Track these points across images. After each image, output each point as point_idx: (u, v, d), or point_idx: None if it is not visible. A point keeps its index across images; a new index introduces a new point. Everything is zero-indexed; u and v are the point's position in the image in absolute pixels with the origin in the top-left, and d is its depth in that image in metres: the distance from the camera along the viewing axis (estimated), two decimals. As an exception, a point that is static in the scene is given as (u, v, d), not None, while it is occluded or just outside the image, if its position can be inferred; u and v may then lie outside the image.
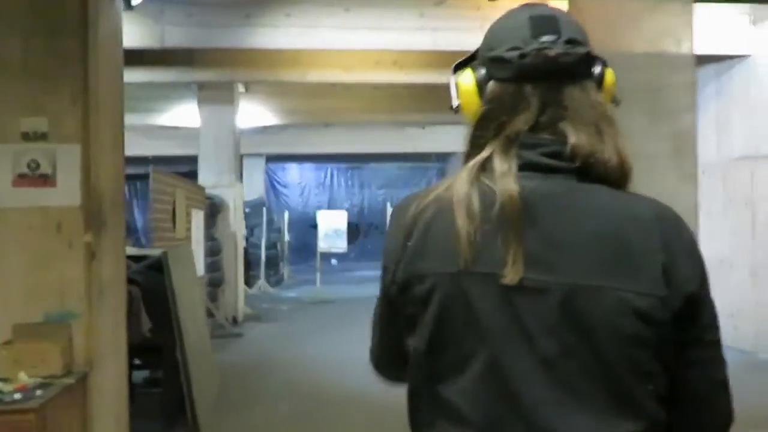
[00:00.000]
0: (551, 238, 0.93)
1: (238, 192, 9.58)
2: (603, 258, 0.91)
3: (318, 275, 11.93)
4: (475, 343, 0.94)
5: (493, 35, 1.04)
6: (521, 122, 0.98)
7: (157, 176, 5.63)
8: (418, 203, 1.01)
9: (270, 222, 13.92)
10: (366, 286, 14.15)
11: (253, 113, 10.84)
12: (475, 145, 1.03)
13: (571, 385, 0.90)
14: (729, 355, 0.99)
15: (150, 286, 4.53)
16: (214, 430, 4.51)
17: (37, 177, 3.21)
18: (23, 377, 2.89)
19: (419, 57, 7.71)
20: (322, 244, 12.12)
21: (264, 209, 13.27)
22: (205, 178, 9.21)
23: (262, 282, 12.71)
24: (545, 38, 0.98)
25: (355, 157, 18.95)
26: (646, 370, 0.91)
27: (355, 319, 9.78)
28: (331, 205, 19.22)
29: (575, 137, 0.96)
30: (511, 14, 1.04)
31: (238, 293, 9.30)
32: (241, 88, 10.16)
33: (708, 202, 6.22)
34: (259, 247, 12.57)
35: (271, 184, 19.75)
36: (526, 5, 1.04)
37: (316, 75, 7.90)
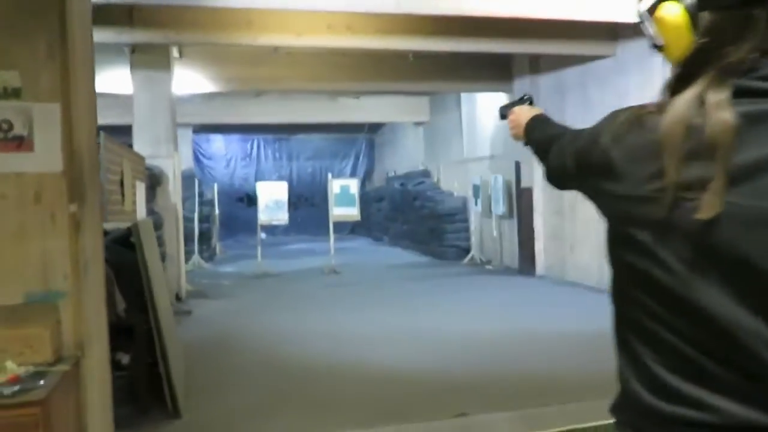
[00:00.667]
0: (752, 162, 0.86)
1: (177, 162, 9.08)
2: None
3: (259, 249, 11.55)
4: (660, 268, 0.90)
5: None
6: (745, 51, 0.89)
7: (108, 145, 5.16)
8: (622, 123, 0.97)
9: (200, 195, 13.36)
10: (303, 258, 13.89)
11: (186, 80, 10.28)
12: (684, 81, 0.93)
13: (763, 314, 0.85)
14: None
15: (119, 263, 4.16)
16: (194, 415, 4.23)
17: (9, 140, 2.82)
18: (12, 366, 2.55)
19: (374, 21, 7.46)
20: (263, 217, 11.70)
21: (196, 181, 12.70)
22: (140, 148, 8.61)
23: (196, 257, 12.21)
24: None
25: (284, 128, 18.49)
26: None
27: (302, 292, 9.56)
28: (258, 178, 18.66)
29: None
30: None
31: (180, 269, 8.87)
32: (175, 53, 9.60)
33: None
34: (192, 220, 12.04)
35: (196, 157, 18.96)
36: None
37: (266, 39, 7.50)
